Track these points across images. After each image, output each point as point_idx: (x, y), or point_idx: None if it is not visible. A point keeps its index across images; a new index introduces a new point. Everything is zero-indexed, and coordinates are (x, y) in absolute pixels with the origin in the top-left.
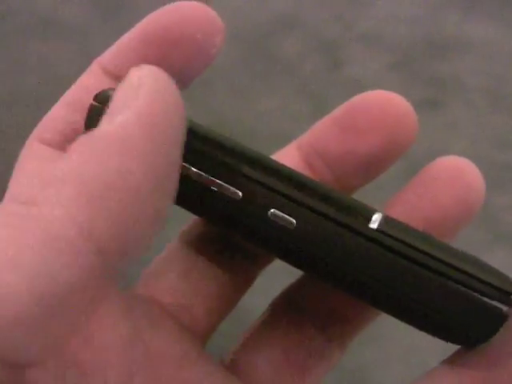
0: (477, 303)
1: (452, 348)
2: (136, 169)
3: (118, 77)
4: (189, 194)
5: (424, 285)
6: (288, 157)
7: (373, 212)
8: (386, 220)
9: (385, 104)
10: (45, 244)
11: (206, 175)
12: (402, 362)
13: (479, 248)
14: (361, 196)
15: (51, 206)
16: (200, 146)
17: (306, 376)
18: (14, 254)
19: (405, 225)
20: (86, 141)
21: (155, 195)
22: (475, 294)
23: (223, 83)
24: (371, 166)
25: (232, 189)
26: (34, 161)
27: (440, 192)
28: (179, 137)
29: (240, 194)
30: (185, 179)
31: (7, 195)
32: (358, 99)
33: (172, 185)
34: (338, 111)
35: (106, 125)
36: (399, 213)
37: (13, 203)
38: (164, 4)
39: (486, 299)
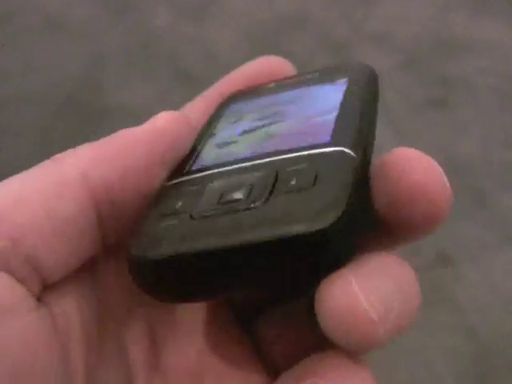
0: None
1: (453, 348)
2: (132, 148)
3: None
4: None
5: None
6: None
7: None
8: None
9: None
10: (57, 179)
11: None
12: (407, 362)
13: (489, 249)
14: None
15: (67, 159)
16: None
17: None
18: (34, 182)
19: None
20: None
21: (141, 162)
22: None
23: None
24: None
25: None
26: None
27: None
28: (173, 143)
29: None
30: None
31: None
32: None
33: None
34: None
35: None
36: None
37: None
38: (169, 4)
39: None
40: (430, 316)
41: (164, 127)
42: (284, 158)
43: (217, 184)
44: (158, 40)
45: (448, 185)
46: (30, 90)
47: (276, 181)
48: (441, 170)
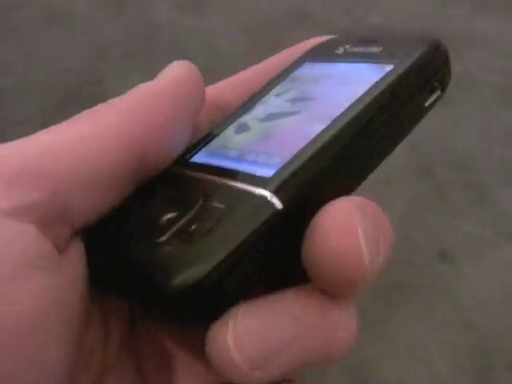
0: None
1: (452, 343)
2: (161, 102)
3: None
4: None
5: None
6: None
7: None
8: None
9: None
10: (91, 133)
11: None
12: (407, 358)
13: (489, 244)
14: (370, 191)
15: (98, 115)
16: None
17: None
18: (71, 136)
19: None
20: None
21: (174, 118)
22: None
23: (231, 75)
24: None
25: None
26: None
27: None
28: (192, 95)
29: None
30: None
31: None
32: None
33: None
34: None
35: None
36: None
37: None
38: None
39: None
40: (429, 311)
41: (180, 75)
42: (223, 185)
43: (168, 196)
44: (158, 32)
45: (367, 253)
46: (31, 82)
47: (193, 215)
48: (360, 240)
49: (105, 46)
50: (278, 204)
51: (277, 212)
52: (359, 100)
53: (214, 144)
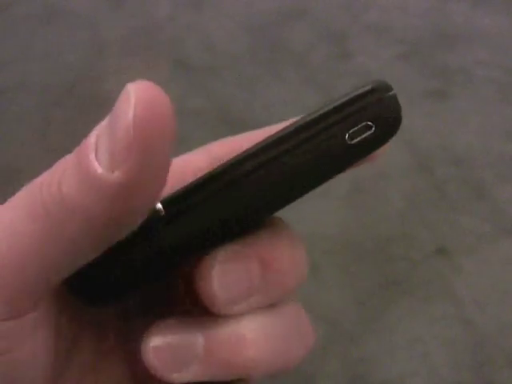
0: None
1: (451, 339)
2: (139, 141)
3: None
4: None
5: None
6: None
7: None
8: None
9: None
10: (84, 180)
11: None
12: (406, 354)
13: (486, 240)
14: (370, 187)
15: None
16: None
17: None
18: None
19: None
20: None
21: (154, 154)
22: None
23: (231, 73)
24: None
25: None
26: None
27: None
28: (166, 125)
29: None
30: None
31: None
32: None
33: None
34: None
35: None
36: None
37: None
38: None
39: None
40: (427, 307)
41: (141, 113)
42: None
43: None
44: (158, 29)
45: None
46: (30, 79)
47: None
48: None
49: (104, 43)
50: (162, 213)
51: (158, 215)
52: (278, 132)
53: None
